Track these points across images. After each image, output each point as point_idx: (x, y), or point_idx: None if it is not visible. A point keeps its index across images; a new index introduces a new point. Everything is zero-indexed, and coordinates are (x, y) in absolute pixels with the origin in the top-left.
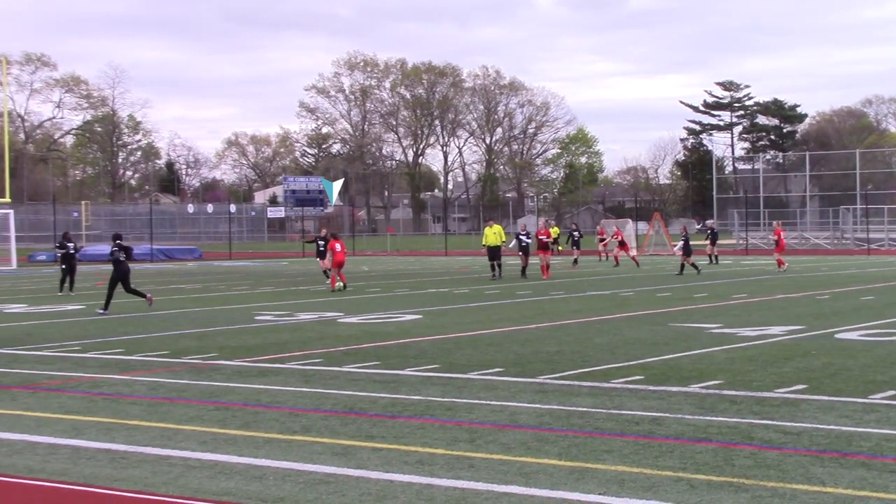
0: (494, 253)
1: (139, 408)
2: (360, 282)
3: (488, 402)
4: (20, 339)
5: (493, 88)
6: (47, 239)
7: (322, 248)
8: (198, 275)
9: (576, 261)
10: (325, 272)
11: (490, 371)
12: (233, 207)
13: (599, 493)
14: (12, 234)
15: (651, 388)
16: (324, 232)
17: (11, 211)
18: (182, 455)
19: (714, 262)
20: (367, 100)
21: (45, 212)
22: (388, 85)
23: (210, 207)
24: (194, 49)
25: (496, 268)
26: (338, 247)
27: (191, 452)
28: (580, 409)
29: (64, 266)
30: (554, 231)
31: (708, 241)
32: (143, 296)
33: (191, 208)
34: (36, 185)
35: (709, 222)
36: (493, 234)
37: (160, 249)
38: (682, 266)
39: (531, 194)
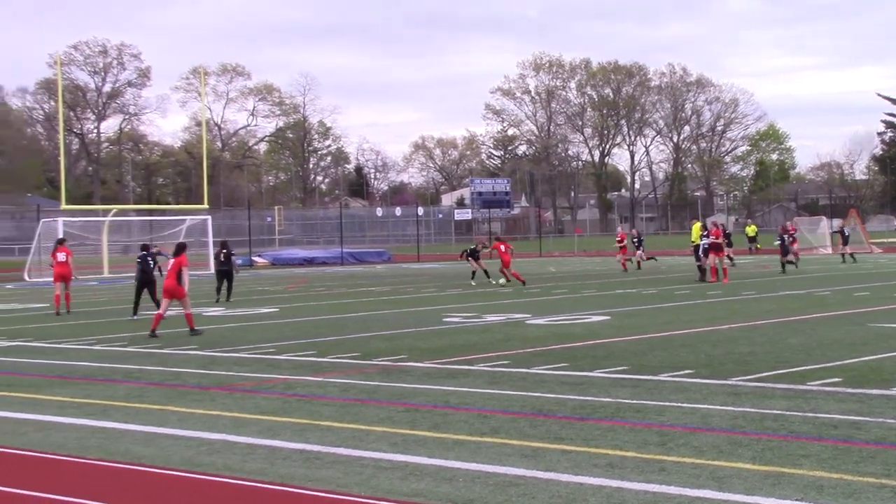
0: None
1: (331, 409)
2: (547, 283)
3: (679, 404)
4: (217, 341)
5: (679, 86)
6: (242, 244)
7: (472, 254)
8: (387, 277)
9: (729, 258)
10: (474, 273)
11: (681, 373)
12: (420, 210)
13: (797, 499)
14: (210, 239)
15: (850, 390)
16: (479, 246)
17: (209, 217)
18: (373, 456)
19: (846, 260)
20: (552, 101)
21: (241, 217)
22: (573, 85)
23: (398, 210)
24: (382, 54)
25: (704, 270)
26: (502, 248)
27: (382, 453)
28: (775, 411)
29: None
30: (750, 229)
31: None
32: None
33: (379, 212)
34: (231, 191)
35: (838, 223)
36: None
37: (350, 253)
38: (783, 265)
39: (720, 193)
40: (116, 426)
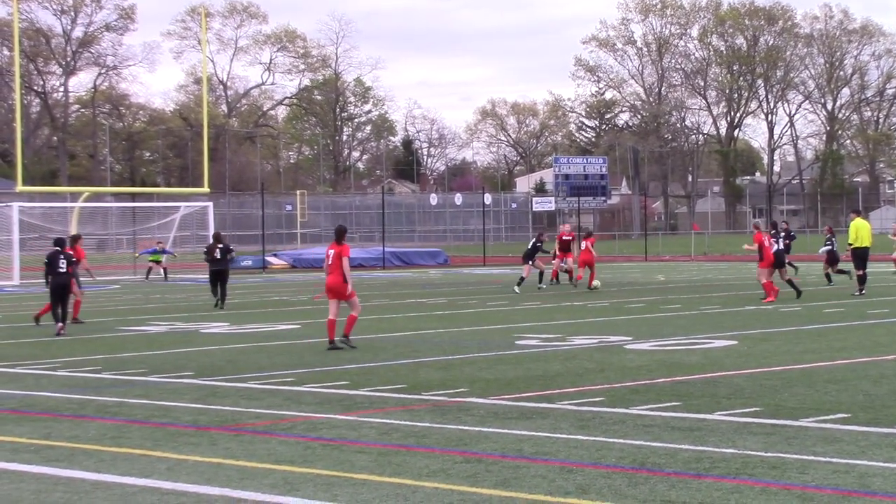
0: (864, 258)
1: (367, 457)
2: (654, 295)
3: (828, 458)
4: (221, 367)
5: (837, 35)
6: (254, 239)
7: (531, 251)
8: (443, 285)
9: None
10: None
11: (831, 417)
12: (488, 198)
13: None
14: (212, 233)
15: None
16: (544, 237)
17: (210, 203)
18: None
19: None
20: (665, 54)
21: (252, 204)
22: (694, 33)
23: (459, 198)
24: None
25: (862, 280)
26: (579, 245)
27: None
28: None
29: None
30: None
31: None
32: (64, 321)
33: (434, 199)
34: (240, 171)
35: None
36: (866, 229)
37: (394, 252)
38: (828, 276)
39: (889, 178)
40: (86, 476)
